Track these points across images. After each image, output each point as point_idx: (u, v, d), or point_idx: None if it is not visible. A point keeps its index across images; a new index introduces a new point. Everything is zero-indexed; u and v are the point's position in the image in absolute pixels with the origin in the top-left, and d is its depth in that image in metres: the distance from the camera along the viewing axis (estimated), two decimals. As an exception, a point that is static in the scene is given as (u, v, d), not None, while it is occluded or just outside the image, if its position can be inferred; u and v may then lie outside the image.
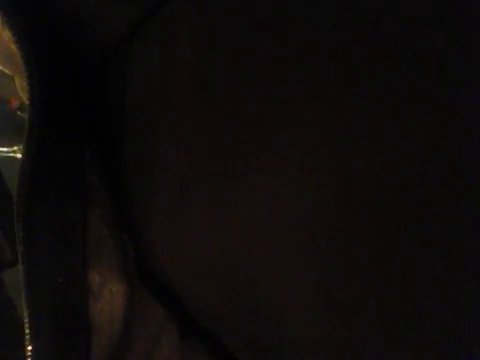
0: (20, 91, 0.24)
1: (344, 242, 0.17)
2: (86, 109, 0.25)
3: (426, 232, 0.15)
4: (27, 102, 0.20)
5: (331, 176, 0.16)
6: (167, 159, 0.22)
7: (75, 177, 0.24)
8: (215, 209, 0.21)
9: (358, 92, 0.15)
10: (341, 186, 0.16)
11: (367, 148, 0.15)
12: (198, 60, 0.19)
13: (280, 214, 0.18)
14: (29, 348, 0.22)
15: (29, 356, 0.22)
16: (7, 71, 0.23)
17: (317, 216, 0.17)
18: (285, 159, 0.17)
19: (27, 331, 0.22)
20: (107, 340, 0.25)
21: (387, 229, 0.16)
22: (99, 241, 0.25)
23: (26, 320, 0.22)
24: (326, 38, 0.15)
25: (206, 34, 0.19)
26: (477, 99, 0.13)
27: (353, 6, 0.15)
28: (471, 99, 0.13)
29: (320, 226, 0.17)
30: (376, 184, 0.15)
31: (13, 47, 0.20)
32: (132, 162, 0.24)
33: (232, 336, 0.25)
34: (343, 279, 0.17)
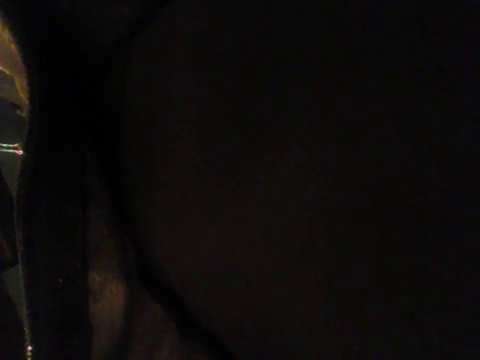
0: (20, 91, 0.24)
1: (345, 243, 0.17)
2: (86, 109, 0.25)
3: (427, 234, 0.15)
4: (27, 102, 0.20)
5: (332, 178, 0.16)
6: (167, 159, 0.22)
7: (75, 177, 0.24)
8: (215, 209, 0.21)
9: (359, 94, 0.15)
10: (342, 188, 0.16)
11: (368, 151, 0.15)
12: (198, 60, 0.19)
13: (281, 215, 0.18)
14: (29, 348, 0.22)
15: (29, 356, 0.22)
16: (7, 71, 0.23)
17: (318, 218, 0.17)
18: (286, 160, 0.17)
19: (27, 331, 0.22)
20: (107, 340, 0.25)
21: (388, 231, 0.16)
22: (99, 241, 0.25)
23: (26, 320, 0.22)
24: (327, 38, 0.15)
25: (206, 34, 0.19)
26: (477, 99, 0.13)
27: (354, 5, 0.15)
28: (471, 99, 0.13)
29: (321, 228, 0.17)
30: (377, 186, 0.15)
31: (13, 47, 0.20)
32: (132, 162, 0.24)
33: (232, 336, 0.25)
34: (343, 280, 0.17)
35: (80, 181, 0.24)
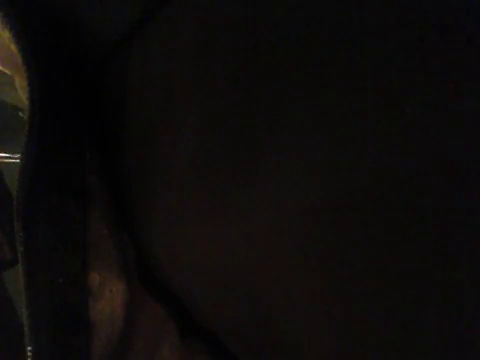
0: (20, 91, 0.24)
1: (345, 243, 0.17)
2: (86, 109, 0.25)
3: (426, 234, 0.15)
4: (27, 102, 0.20)
5: (332, 178, 0.16)
6: (167, 159, 0.22)
7: (75, 177, 0.24)
8: (215, 209, 0.21)
9: (359, 95, 0.15)
10: (342, 188, 0.16)
11: (368, 152, 0.15)
12: (198, 60, 0.19)
13: (280, 215, 0.18)
14: (29, 348, 0.22)
15: (29, 356, 0.22)
16: (7, 71, 0.23)
17: (317, 218, 0.17)
18: (286, 160, 0.17)
19: (27, 331, 0.22)
20: (107, 340, 0.25)
21: (388, 231, 0.16)
22: (99, 241, 0.25)
23: (26, 320, 0.22)
24: (327, 39, 0.15)
25: (206, 34, 0.19)
26: (478, 100, 0.13)
27: (354, 7, 0.15)
28: (472, 101, 0.13)
29: (321, 227, 0.17)
30: (378, 186, 0.15)
31: (13, 47, 0.20)
32: (132, 162, 0.24)
33: (232, 336, 0.25)
34: (343, 280, 0.17)
35: (80, 181, 0.24)
